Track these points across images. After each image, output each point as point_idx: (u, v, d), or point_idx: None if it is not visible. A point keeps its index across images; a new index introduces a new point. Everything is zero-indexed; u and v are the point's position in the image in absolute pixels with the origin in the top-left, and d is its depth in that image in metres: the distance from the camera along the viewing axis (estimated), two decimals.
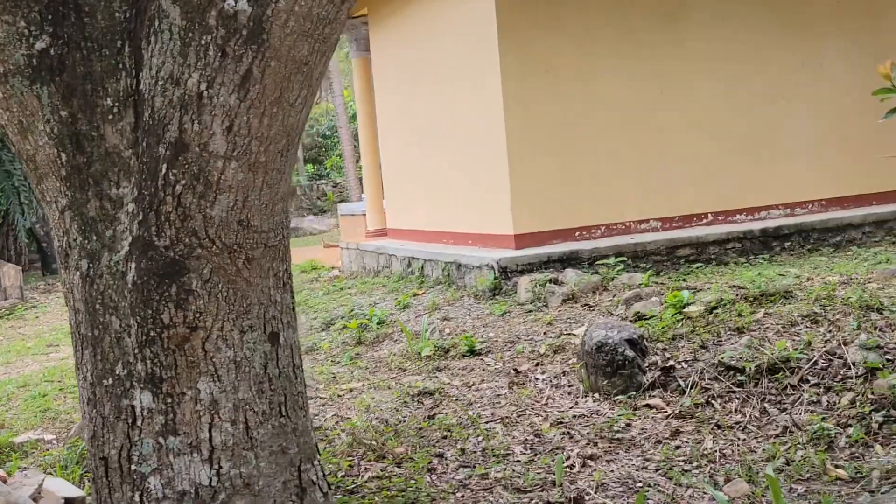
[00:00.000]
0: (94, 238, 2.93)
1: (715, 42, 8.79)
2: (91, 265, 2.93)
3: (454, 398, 5.38)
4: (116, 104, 2.88)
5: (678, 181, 8.72)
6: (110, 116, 2.88)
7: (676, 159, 8.71)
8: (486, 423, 4.78)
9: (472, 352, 6.29)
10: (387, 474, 4.02)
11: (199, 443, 2.92)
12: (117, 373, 2.92)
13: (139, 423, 2.91)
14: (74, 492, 3.99)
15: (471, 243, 8.81)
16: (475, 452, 4.28)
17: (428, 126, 9.71)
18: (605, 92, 8.46)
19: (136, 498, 2.91)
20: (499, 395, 5.29)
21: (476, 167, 8.67)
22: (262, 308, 3.03)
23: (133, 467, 2.92)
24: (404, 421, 5.03)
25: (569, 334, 6.21)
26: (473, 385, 5.59)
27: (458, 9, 8.75)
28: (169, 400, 2.90)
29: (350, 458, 4.30)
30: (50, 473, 4.49)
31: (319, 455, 3.28)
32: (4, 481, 3.64)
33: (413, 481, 3.87)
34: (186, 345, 2.89)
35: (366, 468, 4.12)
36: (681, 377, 4.82)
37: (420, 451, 4.29)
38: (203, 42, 2.71)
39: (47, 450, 5.14)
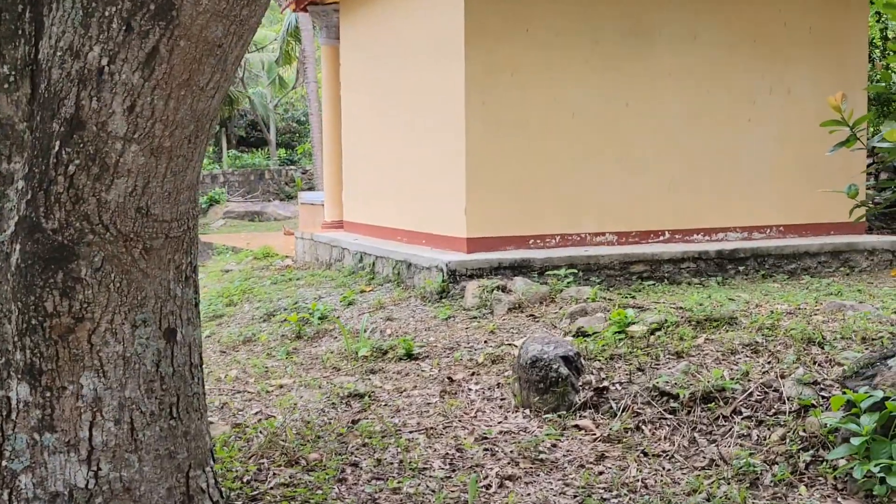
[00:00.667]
0: None
1: (683, 60, 8.68)
2: None
3: (383, 403, 5.21)
4: (13, 73, 2.68)
5: (637, 196, 8.60)
6: (6, 85, 2.68)
7: (637, 174, 8.60)
8: (411, 432, 4.61)
9: (410, 355, 6.12)
10: (295, 481, 3.84)
11: (78, 441, 2.72)
12: None
13: (13, 416, 2.71)
14: None
15: (424, 243, 8.65)
16: (392, 464, 4.12)
17: (391, 120, 9.52)
18: (570, 101, 8.32)
19: (5, 496, 2.71)
20: (429, 404, 5.13)
21: (434, 166, 8.50)
22: (158, 302, 2.84)
23: (4, 463, 2.72)
24: (328, 424, 4.86)
25: (509, 345, 6.06)
26: (405, 391, 5.42)
27: (427, 5, 8.57)
28: (47, 394, 2.70)
29: (260, 462, 4.11)
30: None
31: (213, 461, 3.10)
32: None
33: (320, 491, 3.69)
34: (70, 336, 2.70)
35: (274, 473, 3.94)
36: (614, 399, 4.68)
37: (335, 459, 4.11)
38: (107, 14, 2.52)
39: None
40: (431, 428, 4.67)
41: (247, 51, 2.82)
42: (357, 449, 4.38)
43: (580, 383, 4.86)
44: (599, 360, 5.09)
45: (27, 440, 2.71)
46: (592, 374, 4.95)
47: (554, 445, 4.33)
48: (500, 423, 4.75)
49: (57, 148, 2.61)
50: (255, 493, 3.67)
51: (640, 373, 4.90)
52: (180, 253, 2.90)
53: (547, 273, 7.54)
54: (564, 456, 4.20)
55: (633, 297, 7.05)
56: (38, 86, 2.65)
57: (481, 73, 7.92)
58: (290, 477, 3.88)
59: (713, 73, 8.79)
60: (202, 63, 2.64)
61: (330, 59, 11.40)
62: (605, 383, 4.82)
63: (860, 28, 9.39)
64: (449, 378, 5.54)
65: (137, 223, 2.74)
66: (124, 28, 2.52)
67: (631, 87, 8.53)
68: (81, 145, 2.60)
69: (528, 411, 4.83)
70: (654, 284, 7.88)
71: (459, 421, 4.79)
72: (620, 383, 4.82)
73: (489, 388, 5.29)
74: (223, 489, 3.24)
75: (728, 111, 8.89)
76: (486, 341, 6.24)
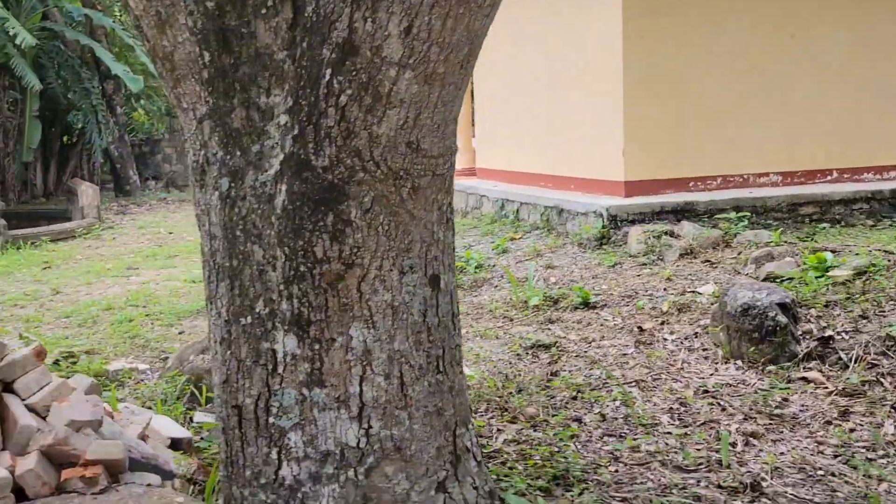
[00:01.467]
0: (238, 153, 2.51)
1: None
2: (233, 185, 2.52)
3: (574, 354, 4.95)
4: None
5: (802, 134, 8.06)
6: (263, 11, 2.44)
7: (802, 110, 8.04)
8: (619, 384, 4.34)
9: (586, 304, 5.83)
10: (523, 437, 3.61)
11: (348, 397, 2.52)
12: (258, 311, 2.52)
13: (280, 370, 2.52)
14: (180, 432, 3.66)
15: (573, 188, 8.30)
16: (616, 419, 3.85)
17: (532, 61, 9.13)
18: (731, 35, 7.79)
19: (273, 455, 2.54)
20: (625, 355, 4.84)
21: (585, 107, 8.11)
22: (424, 246, 2.60)
23: (271, 420, 2.54)
24: (520, 375, 4.63)
25: (693, 292, 5.72)
26: (593, 341, 5.14)
27: None
28: (316, 346, 2.50)
29: (476, 416, 3.90)
30: (148, 408, 4.17)
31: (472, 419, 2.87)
32: (111, 416, 3.31)
33: (557, 450, 3.45)
34: (340, 284, 2.48)
35: (498, 430, 3.72)
36: (842, 349, 4.31)
37: (557, 415, 3.87)
38: None
39: (141, 381, 4.85)
40: (640, 380, 4.38)
41: None
42: (568, 402, 4.13)
43: (799, 332, 4.50)
44: (815, 308, 4.71)
45: (296, 395, 2.51)
46: (810, 322, 4.58)
47: (785, 399, 4.00)
48: (712, 374, 4.44)
49: (328, 77, 2.37)
50: (490, 450, 3.45)
51: (864, 321, 4.51)
52: (443, 192, 2.65)
53: (714, 216, 7.13)
54: (802, 411, 3.87)
55: (814, 241, 6.61)
56: (302, 10, 2.40)
57: (639, 6, 7.46)
58: (517, 433, 3.66)
59: None
60: None
61: None
62: (829, 332, 4.45)
63: None
64: (639, 328, 5.24)
65: (407, 159, 2.49)
66: None
67: (793, 18, 7.94)
68: (354, 73, 2.35)
69: (740, 362, 4.50)
70: (826, 227, 7.38)
71: (667, 373, 4.49)
72: (846, 332, 4.44)
73: (686, 338, 4.97)
74: None
75: None
76: (664, 289, 5.90)
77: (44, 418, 2.80)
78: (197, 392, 4.29)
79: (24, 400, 2.82)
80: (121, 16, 18.21)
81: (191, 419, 4.09)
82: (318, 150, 2.41)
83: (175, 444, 3.56)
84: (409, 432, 2.58)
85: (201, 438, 3.80)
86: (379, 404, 2.54)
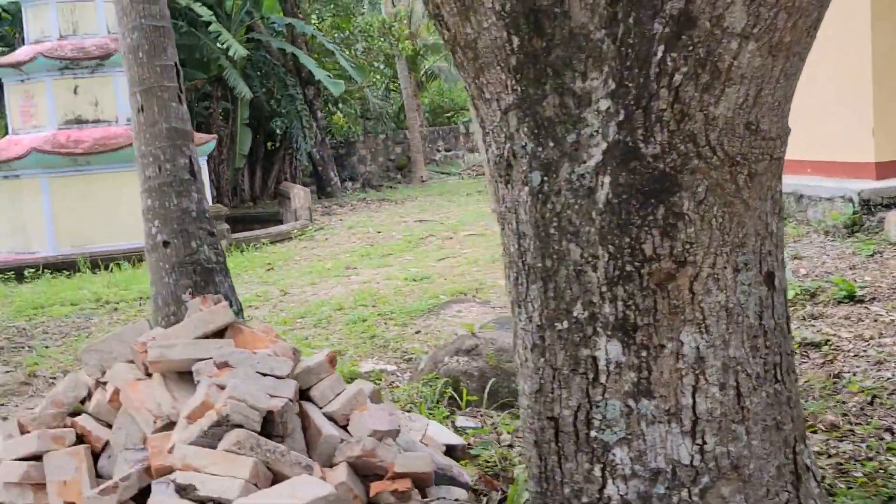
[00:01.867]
0: (551, 144, 2.30)
1: None
2: (545, 179, 2.32)
3: (851, 353, 4.48)
4: None
5: None
6: None
7: None
8: None
9: (852, 298, 5.32)
10: (832, 450, 3.24)
11: (679, 410, 2.27)
12: (575, 315, 2.32)
13: (602, 379, 2.30)
14: (454, 438, 3.54)
15: (810, 172, 7.69)
16: None
17: None
18: None
19: (597, 472, 2.32)
20: None
21: (823, 83, 7.48)
22: (758, 240, 2.31)
23: (593, 434, 2.32)
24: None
25: None
26: (871, 339, 4.65)
27: None
28: (643, 353, 2.26)
29: None
30: (408, 411, 4.10)
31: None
32: None
33: (880, 466, 3.07)
34: (671, 284, 2.23)
35: None
36: None
37: (862, 424, 3.47)
38: None
39: (392, 383, 4.80)
40: None
41: None
42: (864, 408, 3.71)
43: None
44: None
45: (620, 407, 2.29)
46: None
47: None
48: None
49: (660, 54, 2.12)
50: None
51: None
52: (776, 179, 2.36)
53: None
54: None
55: None
56: None
57: None
58: (823, 444, 3.30)
59: None
60: None
61: None
62: None
63: None
64: None
65: (745, 143, 2.21)
66: None
67: None
68: (690, 48, 2.10)
69: None
70: None
71: None
72: None
73: None
74: None
75: None
76: None
77: (343, 427, 2.72)
78: (456, 395, 4.18)
79: (321, 408, 2.75)
80: (319, 23, 18.79)
81: (453, 423, 3.98)
82: (647, 137, 2.17)
83: (449, 451, 3.44)
84: (747, 449, 2.30)
85: (469, 445, 3.67)
86: (713, 417, 2.28)
